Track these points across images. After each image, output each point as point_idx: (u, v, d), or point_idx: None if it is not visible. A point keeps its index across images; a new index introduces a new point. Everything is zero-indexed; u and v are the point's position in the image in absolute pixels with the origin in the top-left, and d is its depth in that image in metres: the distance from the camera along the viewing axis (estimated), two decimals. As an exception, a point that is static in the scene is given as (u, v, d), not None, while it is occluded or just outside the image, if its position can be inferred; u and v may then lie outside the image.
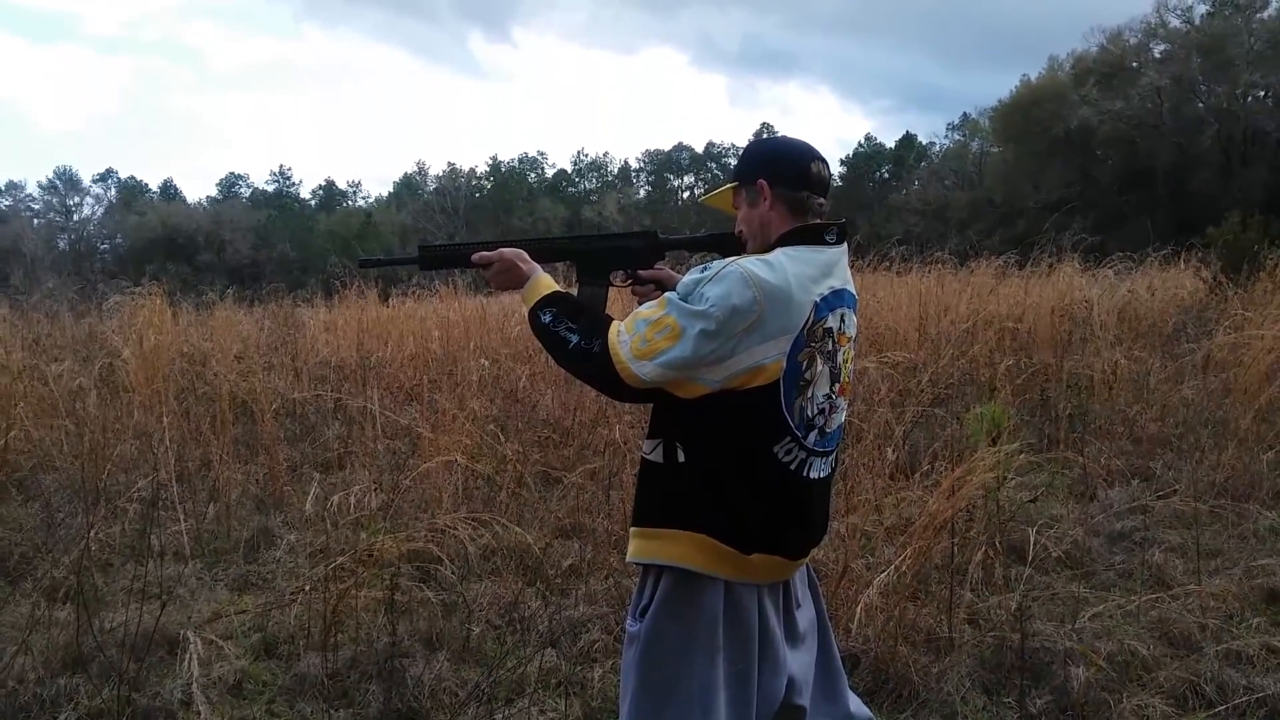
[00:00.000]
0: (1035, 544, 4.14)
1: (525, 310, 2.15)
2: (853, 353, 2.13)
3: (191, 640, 3.41)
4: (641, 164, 76.20)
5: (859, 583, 3.85)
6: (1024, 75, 49.71)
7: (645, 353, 1.93)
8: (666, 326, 1.92)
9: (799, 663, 2.17)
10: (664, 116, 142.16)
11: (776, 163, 2.12)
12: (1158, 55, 41.86)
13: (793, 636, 2.17)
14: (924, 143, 65.45)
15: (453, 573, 4.30)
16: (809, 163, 2.10)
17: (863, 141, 69.24)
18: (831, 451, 2.10)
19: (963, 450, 5.15)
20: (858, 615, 3.58)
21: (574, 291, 2.28)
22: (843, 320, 2.06)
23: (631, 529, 2.13)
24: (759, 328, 1.91)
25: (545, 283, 2.16)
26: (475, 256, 2.24)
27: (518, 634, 3.92)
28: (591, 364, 2.00)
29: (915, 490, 4.61)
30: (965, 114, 63.17)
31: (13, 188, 68.31)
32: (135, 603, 3.78)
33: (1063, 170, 41.82)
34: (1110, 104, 39.67)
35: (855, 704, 2.35)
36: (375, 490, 5.18)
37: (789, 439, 1.99)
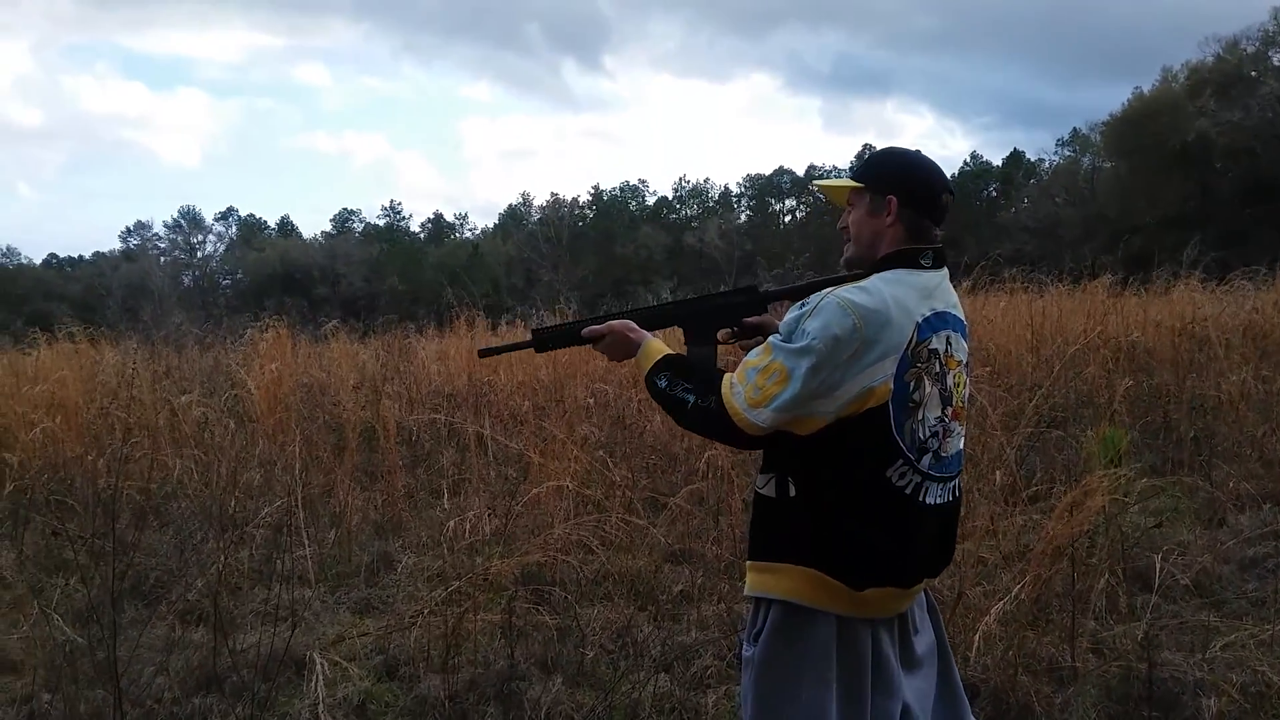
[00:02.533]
0: (1161, 571, 4.00)
1: (642, 377, 2.22)
2: (965, 377, 2.11)
3: (318, 662, 3.54)
4: (742, 189, 76.16)
5: (976, 610, 3.79)
6: (1136, 87, 48.20)
7: (759, 400, 1.97)
8: (775, 371, 1.96)
9: (914, 689, 2.15)
10: (761, 141, 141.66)
11: (911, 181, 2.12)
12: (1278, 63, 40.28)
13: (909, 662, 2.16)
14: (1032, 159, 63.94)
15: (566, 597, 4.36)
16: (941, 193, 2.13)
17: (968, 160, 68.08)
18: (950, 478, 2.08)
19: (1080, 474, 5.02)
20: (976, 644, 3.52)
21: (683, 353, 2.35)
22: (949, 343, 2.05)
23: (747, 562, 2.16)
24: (863, 353, 1.93)
25: (656, 348, 2.22)
26: (585, 331, 2.33)
27: (631, 658, 3.95)
28: (710, 420, 2.05)
29: (1032, 515, 4.52)
30: (1075, 129, 61.50)
31: (140, 228, 71.78)
32: (265, 625, 3.94)
33: (1180, 185, 40.39)
34: (1229, 115, 38.26)
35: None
36: (489, 515, 5.29)
37: (902, 462, 1.98)
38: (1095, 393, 7.22)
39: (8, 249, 68.32)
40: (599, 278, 53.59)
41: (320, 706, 3.43)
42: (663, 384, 2.13)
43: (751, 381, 1.99)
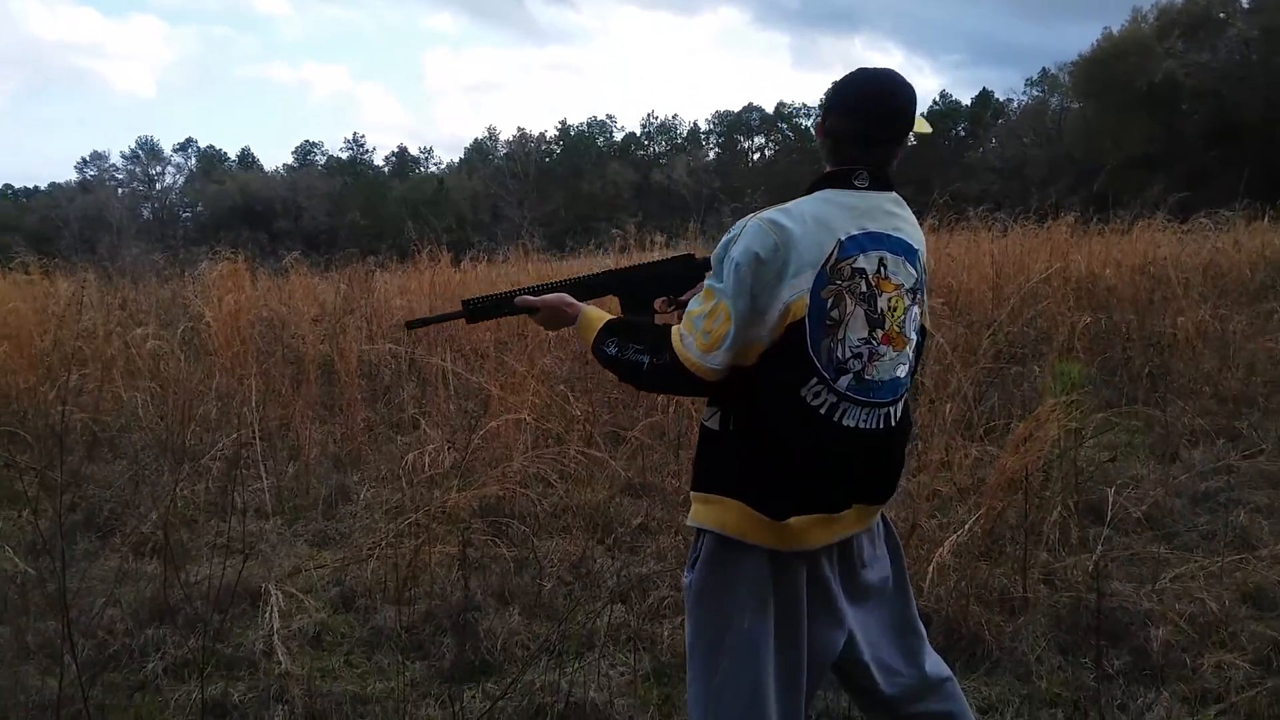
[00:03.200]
0: (1114, 504, 4.04)
1: (587, 346, 2.18)
2: (905, 303, 2.04)
3: (273, 593, 3.52)
4: (711, 125, 75.63)
5: (931, 542, 3.82)
6: (1106, 28, 47.99)
7: (710, 345, 1.95)
8: (720, 313, 1.95)
9: (859, 621, 2.14)
10: (730, 77, 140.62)
11: (837, 98, 2.09)
12: (1246, 5, 40.22)
13: (854, 594, 2.14)
14: (1001, 99, 63.83)
15: (524, 530, 4.36)
16: (875, 108, 2.05)
17: (937, 99, 67.75)
18: (880, 404, 2.03)
19: (1037, 409, 5.07)
20: (930, 574, 3.55)
21: None
22: (882, 265, 2.00)
23: (691, 492, 2.16)
24: (784, 271, 1.92)
25: (596, 315, 2.18)
26: (519, 301, 2.26)
27: (588, 590, 3.96)
28: (669, 376, 2.03)
29: (988, 448, 4.55)
30: (1044, 69, 61.35)
31: (97, 158, 70.15)
32: (219, 557, 3.90)
33: (1146, 125, 40.43)
34: (1196, 56, 38.25)
35: (933, 664, 2.31)
36: (448, 449, 5.26)
37: (816, 380, 1.95)
38: (1054, 329, 7.27)
39: (-42, 179, 66.70)
40: (565, 214, 53.10)
41: (275, 637, 3.41)
42: (612, 350, 2.10)
43: (700, 328, 1.97)
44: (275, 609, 3.47)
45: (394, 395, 6.99)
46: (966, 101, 66.05)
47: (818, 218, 1.96)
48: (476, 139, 78.25)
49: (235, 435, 5.42)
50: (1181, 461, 5.28)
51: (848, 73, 2.12)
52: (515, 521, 4.40)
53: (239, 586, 3.84)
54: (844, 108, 2.07)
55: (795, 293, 1.92)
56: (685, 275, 2.33)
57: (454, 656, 3.42)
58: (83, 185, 66.01)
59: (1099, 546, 3.87)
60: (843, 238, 1.96)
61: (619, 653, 3.47)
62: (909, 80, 2.07)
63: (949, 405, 4.93)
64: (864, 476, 2.05)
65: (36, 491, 4.50)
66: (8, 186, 72.52)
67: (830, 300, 1.94)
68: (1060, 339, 6.94)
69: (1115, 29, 45.43)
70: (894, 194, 2.08)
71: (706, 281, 2.02)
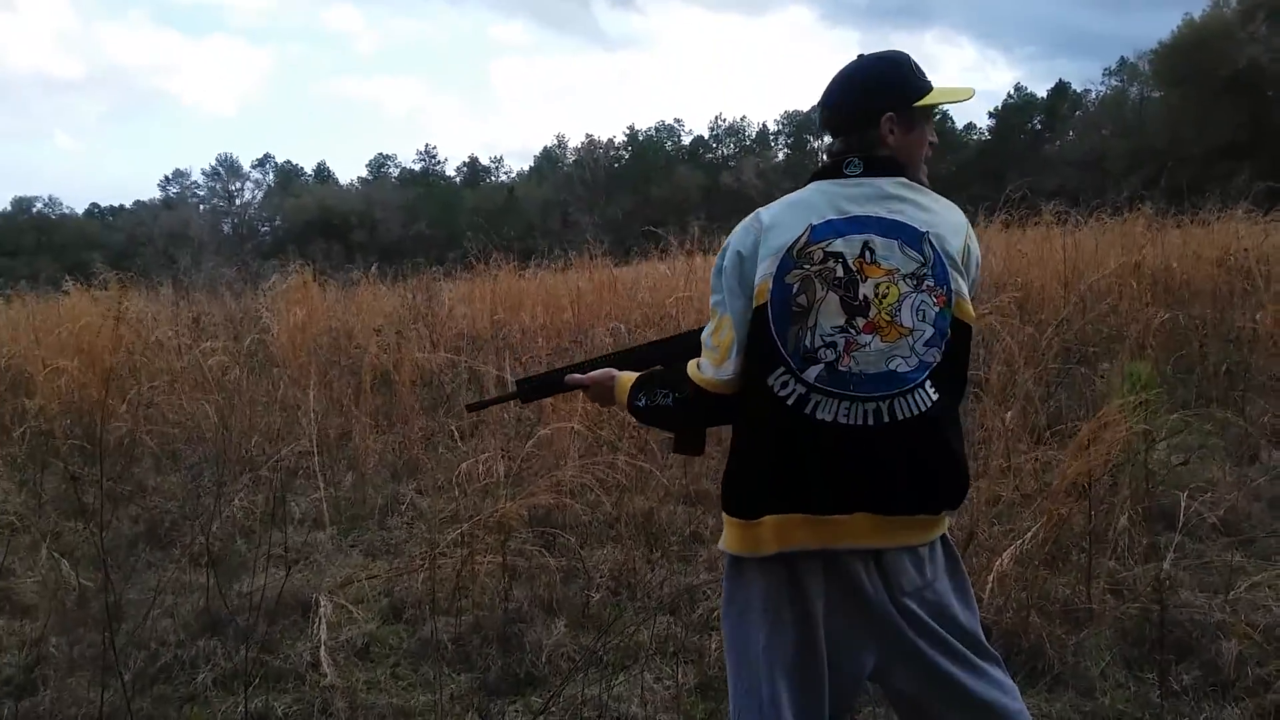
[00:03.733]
0: (1187, 509, 3.86)
1: (626, 412, 2.21)
2: (904, 289, 1.90)
3: (323, 604, 3.53)
4: (780, 126, 75.19)
5: (991, 550, 3.69)
6: (1186, 14, 46.36)
7: (720, 357, 1.96)
8: (722, 325, 1.96)
9: (899, 648, 2.01)
10: (799, 77, 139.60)
11: (831, 90, 2.07)
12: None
13: (904, 616, 2.01)
14: (1078, 91, 62.29)
15: (573, 540, 4.32)
16: (864, 94, 2.02)
17: (1012, 92, 66.52)
18: (864, 398, 1.89)
19: (1103, 409, 4.88)
20: (989, 584, 3.42)
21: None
22: (868, 249, 1.89)
23: None
24: (757, 257, 1.91)
25: (626, 378, 2.21)
26: (568, 379, 2.32)
27: (637, 600, 3.91)
28: (696, 406, 2.03)
29: (1054, 452, 4.39)
30: (1123, 58, 59.80)
31: (179, 175, 72.35)
32: (273, 568, 3.93)
33: (1231, 113, 39.15)
34: (1283, 40, 36.95)
35: (993, 692, 2.14)
36: (503, 457, 5.24)
37: (783, 370, 1.89)
38: (1127, 326, 7.01)
39: (50, 199, 69.19)
40: (634, 219, 53.20)
41: (322, 649, 3.42)
42: (641, 402, 2.13)
43: (709, 346, 1.99)
44: (324, 620, 3.48)
45: (453, 404, 7.01)
46: (1042, 94, 64.58)
47: (795, 204, 1.95)
48: (546, 147, 78.84)
49: (294, 445, 5.48)
50: (1261, 464, 5.04)
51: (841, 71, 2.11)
52: (564, 532, 4.35)
53: (290, 597, 3.88)
54: (821, 102, 2.07)
55: (760, 276, 1.90)
56: None
57: (499, 669, 3.39)
58: (165, 202, 68.13)
59: (1169, 554, 3.69)
60: (815, 221, 1.91)
61: (665, 665, 3.41)
62: (895, 57, 2.03)
63: (1012, 408, 4.76)
64: (857, 478, 1.91)
65: (100, 504, 4.57)
66: (94, 205, 75.01)
67: (796, 285, 1.89)
68: (1133, 336, 6.70)
69: (1196, 15, 44.10)
70: (902, 178, 1.97)
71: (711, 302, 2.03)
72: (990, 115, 63.29)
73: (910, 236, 1.92)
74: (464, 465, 5.00)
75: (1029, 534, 3.69)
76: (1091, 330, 6.85)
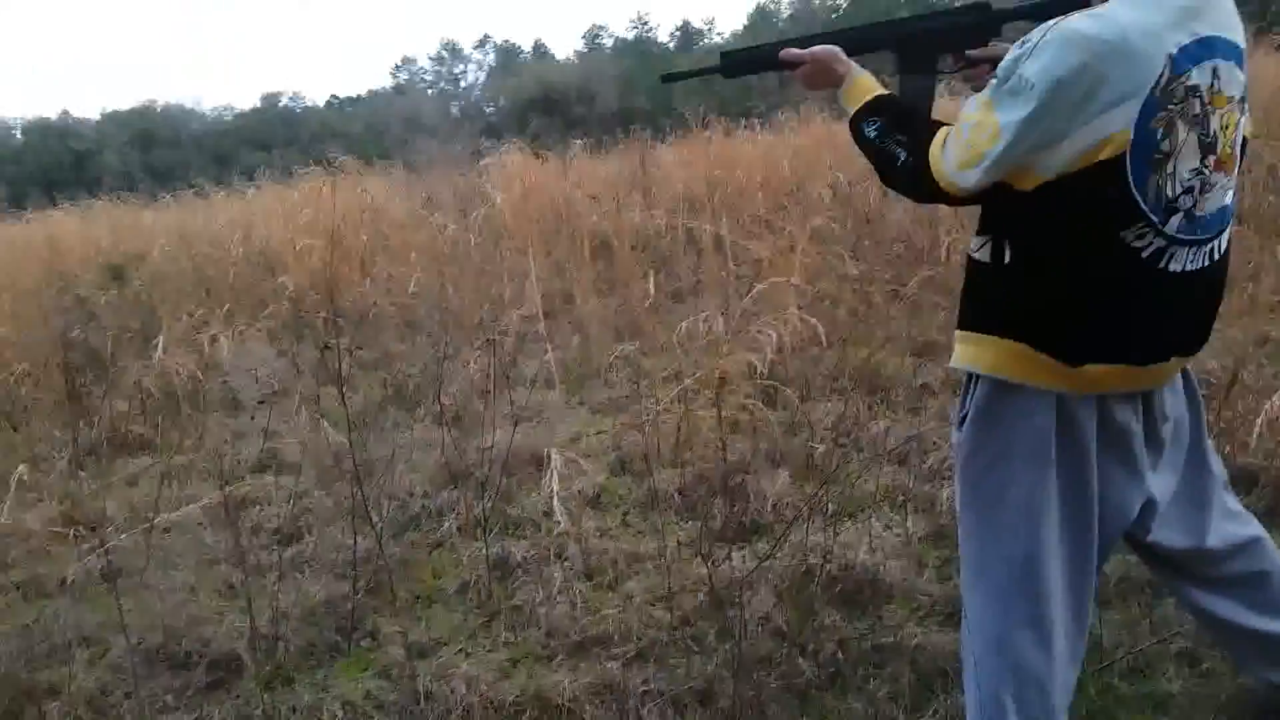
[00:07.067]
0: None
1: (847, 118, 1.93)
2: (1237, 117, 1.69)
3: (554, 458, 3.67)
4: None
5: (1260, 393, 3.38)
6: None
7: (968, 161, 1.68)
8: (988, 127, 1.65)
9: (1156, 480, 1.90)
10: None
11: None
12: None
13: (1153, 449, 1.89)
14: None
15: (797, 393, 4.28)
16: None
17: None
18: (1206, 239, 1.71)
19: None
20: (1257, 429, 3.15)
21: (897, 85, 2.00)
22: (1215, 76, 1.63)
23: (956, 332, 1.93)
24: (1094, 96, 1.57)
25: (865, 84, 1.91)
26: (783, 54, 2.01)
27: (862, 451, 3.85)
28: (916, 180, 1.78)
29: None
30: None
31: (407, 62, 74.93)
32: (507, 425, 4.11)
33: None
34: None
35: (1232, 530, 1.98)
36: (722, 315, 5.23)
37: (1143, 224, 1.64)
38: None
39: (294, 94, 73.38)
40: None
41: (555, 499, 3.56)
42: (872, 133, 1.85)
43: (965, 139, 1.69)
44: (555, 472, 3.62)
45: (671, 266, 7.05)
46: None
47: (1141, 26, 1.58)
48: (759, 4, 76.30)
49: (521, 311, 5.68)
50: None
51: None
52: (785, 387, 4.32)
53: (524, 452, 4.06)
54: None
55: (1116, 125, 1.59)
56: (977, 29, 1.98)
57: (724, 517, 3.44)
58: (397, 89, 70.79)
59: None
60: (1173, 51, 1.59)
61: (894, 514, 3.37)
62: None
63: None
64: (1183, 324, 1.77)
65: (350, 371, 4.90)
66: (334, 97, 78.92)
67: (1161, 130, 1.61)
68: None
69: None
70: None
71: (987, 90, 1.70)
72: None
73: (1240, 56, 1.69)
74: (684, 324, 5.04)
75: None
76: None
